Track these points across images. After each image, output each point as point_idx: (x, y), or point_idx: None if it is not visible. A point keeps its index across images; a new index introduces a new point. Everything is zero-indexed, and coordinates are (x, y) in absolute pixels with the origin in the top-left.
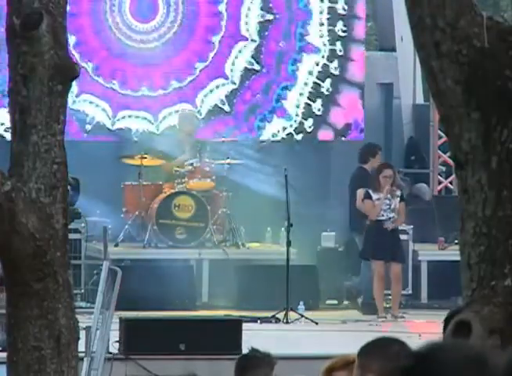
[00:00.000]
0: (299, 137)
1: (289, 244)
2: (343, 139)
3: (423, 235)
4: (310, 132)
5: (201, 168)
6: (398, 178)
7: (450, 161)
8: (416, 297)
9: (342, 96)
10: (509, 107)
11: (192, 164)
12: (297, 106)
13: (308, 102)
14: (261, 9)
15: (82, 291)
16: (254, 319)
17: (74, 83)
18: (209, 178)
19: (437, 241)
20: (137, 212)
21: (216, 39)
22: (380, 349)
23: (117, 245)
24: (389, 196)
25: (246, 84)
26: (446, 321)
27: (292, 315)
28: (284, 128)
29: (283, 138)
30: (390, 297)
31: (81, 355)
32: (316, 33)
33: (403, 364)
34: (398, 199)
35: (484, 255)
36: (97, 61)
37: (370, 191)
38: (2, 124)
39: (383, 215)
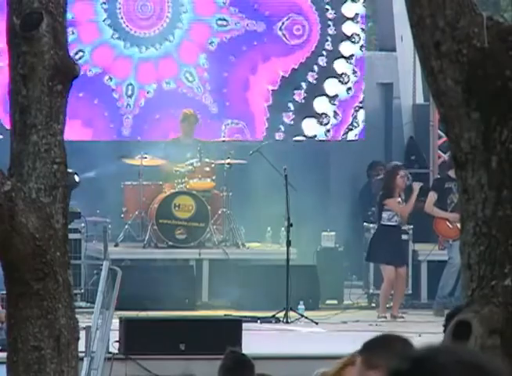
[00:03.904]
0: (299, 137)
1: (289, 243)
2: (343, 139)
3: (423, 235)
4: (310, 132)
5: (201, 168)
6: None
7: None
8: (416, 297)
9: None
10: (509, 107)
11: (192, 164)
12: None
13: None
14: None
15: (82, 290)
16: (254, 319)
17: None
18: (209, 178)
19: (437, 241)
20: (137, 212)
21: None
22: (383, 346)
23: (117, 245)
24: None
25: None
26: (447, 320)
27: (292, 315)
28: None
29: (282, 139)
30: (390, 297)
31: (81, 355)
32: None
33: (397, 366)
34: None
35: (484, 255)
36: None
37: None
38: None
39: (395, 221)
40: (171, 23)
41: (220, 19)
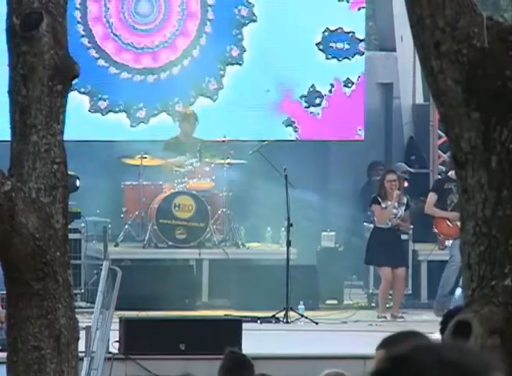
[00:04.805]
0: (299, 137)
1: (289, 243)
2: (342, 138)
3: (423, 235)
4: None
5: (201, 168)
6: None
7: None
8: (416, 297)
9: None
10: (509, 107)
11: (192, 164)
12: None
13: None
14: None
15: (82, 290)
16: (254, 319)
17: None
18: (209, 178)
19: (437, 241)
20: (137, 212)
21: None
22: (403, 342)
23: (117, 245)
24: (396, 204)
25: None
26: (443, 321)
27: (292, 315)
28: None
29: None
30: (390, 297)
31: (81, 355)
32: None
33: (378, 367)
34: (404, 207)
35: (484, 255)
36: None
37: (379, 198)
38: None
39: (387, 223)
40: (206, 38)
41: (330, 34)
